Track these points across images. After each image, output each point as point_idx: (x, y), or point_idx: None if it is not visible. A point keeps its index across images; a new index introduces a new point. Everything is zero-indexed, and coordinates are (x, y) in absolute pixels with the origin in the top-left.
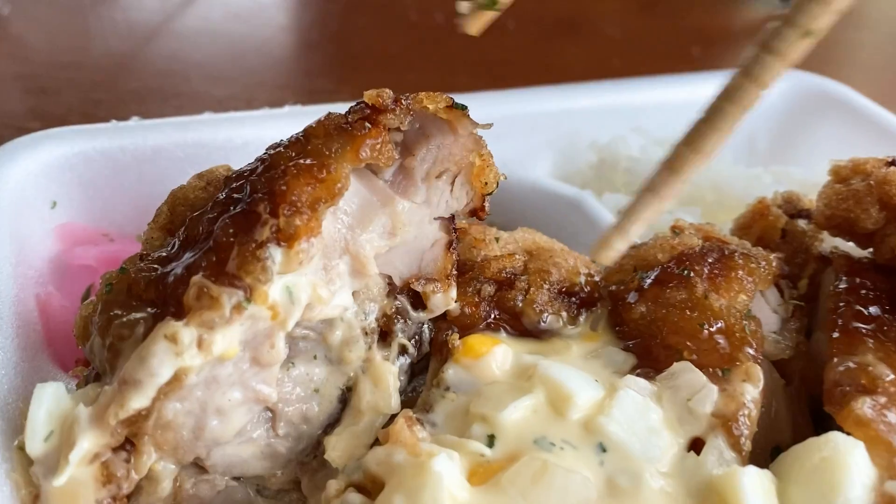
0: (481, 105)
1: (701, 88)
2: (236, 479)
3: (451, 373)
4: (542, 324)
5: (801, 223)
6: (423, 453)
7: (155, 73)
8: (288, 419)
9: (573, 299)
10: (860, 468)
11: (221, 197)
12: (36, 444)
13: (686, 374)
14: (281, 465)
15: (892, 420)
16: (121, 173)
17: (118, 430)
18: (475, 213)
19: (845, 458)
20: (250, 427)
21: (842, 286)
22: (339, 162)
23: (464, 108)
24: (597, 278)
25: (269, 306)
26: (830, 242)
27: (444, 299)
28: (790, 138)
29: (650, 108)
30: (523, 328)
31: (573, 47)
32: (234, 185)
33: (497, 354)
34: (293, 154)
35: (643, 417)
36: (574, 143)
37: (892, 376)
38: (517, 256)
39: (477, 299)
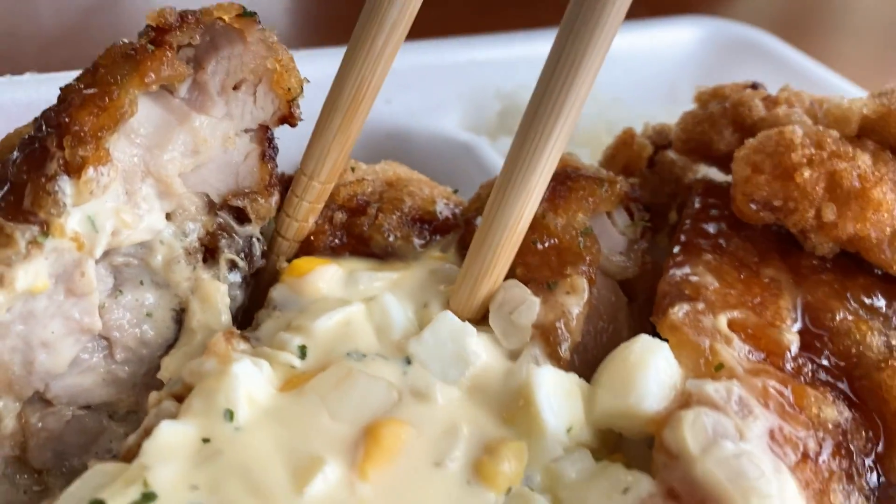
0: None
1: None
2: (85, 407)
3: (276, 292)
4: (390, 249)
5: (671, 154)
6: (230, 359)
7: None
8: (124, 345)
9: (425, 226)
10: (659, 367)
11: (27, 137)
12: None
13: (512, 289)
14: (126, 390)
15: (707, 324)
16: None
17: None
18: (285, 119)
19: (646, 357)
20: (86, 356)
21: (695, 207)
22: (123, 88)
23: (253, 14)
24: (457, 210)
25: (71, 237)
26: (705, 175)
27: (266, 208)
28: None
29: None
30: (371, 253)
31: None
32: (36, 124)
33: (324, 273)
34: (81, 86)
35: (457, 340)
36: (482, 93)
37: (716, 285)
38: (368, 182)
39: (327, 226)
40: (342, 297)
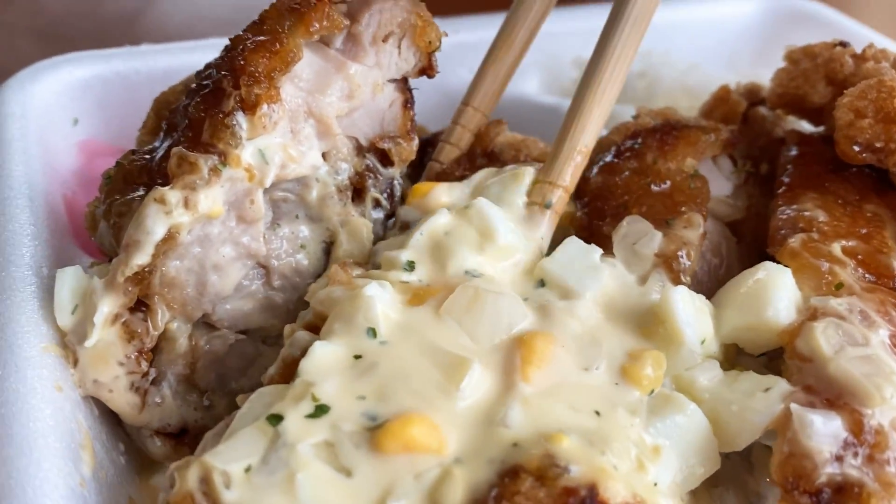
0: (474, 28)
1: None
2: (243, 332)
3: (403, 212)
4: None
5: (762, 110)
6: (356, 285)
7: (167, 27)
8: (281, 273)
9: None
10: (787, 288)
11: (194, 86)
12: (65, 317)
13: (634, 224)
14: (280, 316)
15: (823, 250)
16: (135, 93)
17: (129, 288)
18: (424, 71)
19: (774, 280)
20: (247, 282)
21: (792, 153)
22: (290, 35)
23: None
24: None
25: (244, 168)
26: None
27: (408, 151)
28: (770, 57)
29: None
30: None
31: None
32: (204, 73)
33: (445, 190)
34: (250, 35)
35: (585, 258)
36: (559, 61)
37: (826, 218)
38: (500, 138)
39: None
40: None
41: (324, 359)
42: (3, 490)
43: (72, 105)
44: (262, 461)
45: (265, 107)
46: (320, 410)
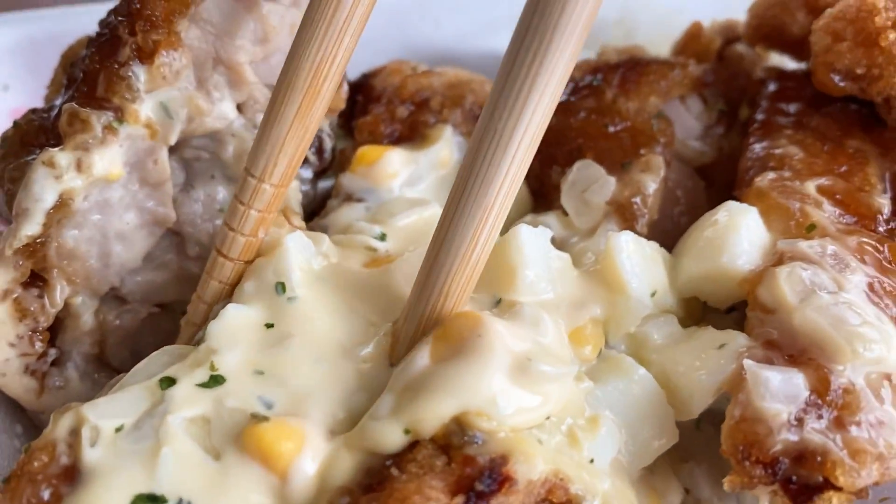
0: None
1: None
2: (159, 305)
3: (346, 180)
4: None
5: (740, 47)
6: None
7: None
8: (197, 240)
9: None
10: (750, 230)
11: (94, 35)
12: None
13: (584, 170)
14: None
15: (795, 189)
16: None
17: (19, 262)
18: None
19: (735, 220)
20: (159, 252)
21: (769, 89)
22: None
23: None
24: None
25: (144, 124)
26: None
27: (337, 100)
28: None
29: None
30: None
31: None
32: (104, 20)
33: (392, 159)
34: None
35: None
36: None
37: (801, 155)
38: (434, 77)
39: (386, 118)
40: (416, 198)
41: (234, 323)
42: None
43: (1, 69)
44: (135, 424)
45: (164, 54)
46: (214, 381)
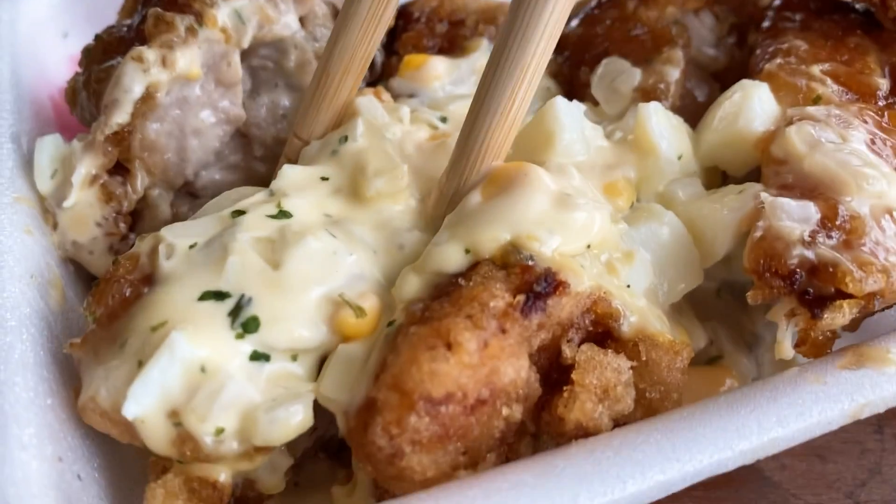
0: None
1: None
2: None
3: (395, 83)
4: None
5: None
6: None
7: None
8: (262, 142)
9: None
10: (762, 100)
11: None
12: (44, 182)
13: (612, 63)
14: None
15: (802, 70)
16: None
17: (108, 148)
18: None
19: (748, 93)
20: (228, 152)
21: (776, 2)
22: None
23: None
24: None
25: (220, 29)
26: None
27: (388, 13)
28: None
29: None
30: None
31: None
32: None
33: (436, 64)
34: None
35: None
36: None
37: (805, 46)
38: (469, 2)
39: (426, 32)
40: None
41: (294, 176)
42: None
43: (61, 19)
44: (206, 243)
45: None
46: (282, 215)
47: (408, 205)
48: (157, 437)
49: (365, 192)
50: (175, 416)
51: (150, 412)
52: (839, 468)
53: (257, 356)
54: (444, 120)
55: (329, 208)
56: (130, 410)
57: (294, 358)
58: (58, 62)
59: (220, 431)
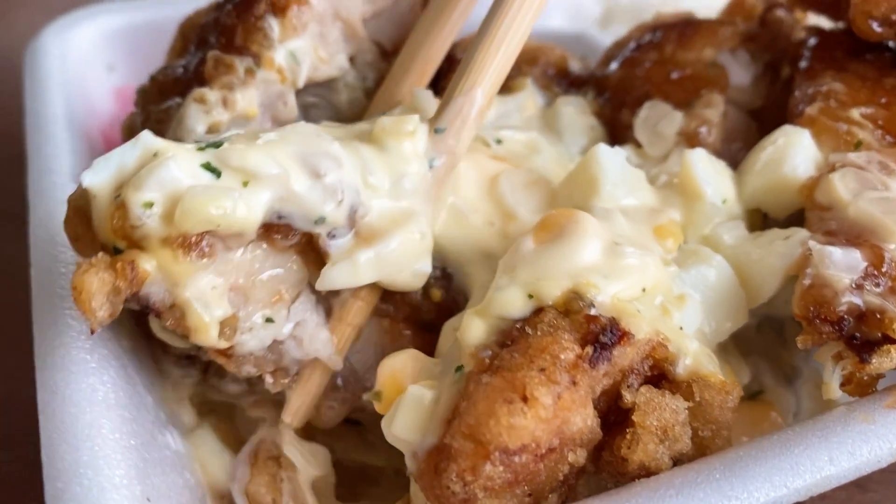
0: None
1: None
2: None
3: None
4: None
5: (780, 12)
6: None
7: None
8: None
9: (561, 80)
10: (805, 146)
11: (220, 1)
12: None
13: (654, 107)
14: None
15: (842, 115)
16: (165, 41)
17: None
18: None
19: (791, 140)
20: None
21: (811, 43)
22: None
23: None
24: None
25: (277, 69)
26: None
27: None
28: None
29: None
30: None
31: None
32: None
33: None
34: None
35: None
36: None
37: (845, 89)
38: None
39: None
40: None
41: None
42: None
43: (106, 52)
44: None
45: (295, 9)
46: None
47: None
48: (102, 213)
49: None
50: (118, 190)
51: (103, 185)
52: (879, 497)
53: (210, 168)
54: (499, 142)
55: None
56: (87, 178)
57: (244, 185)
58: (103, 95)
59: (148, 205)
